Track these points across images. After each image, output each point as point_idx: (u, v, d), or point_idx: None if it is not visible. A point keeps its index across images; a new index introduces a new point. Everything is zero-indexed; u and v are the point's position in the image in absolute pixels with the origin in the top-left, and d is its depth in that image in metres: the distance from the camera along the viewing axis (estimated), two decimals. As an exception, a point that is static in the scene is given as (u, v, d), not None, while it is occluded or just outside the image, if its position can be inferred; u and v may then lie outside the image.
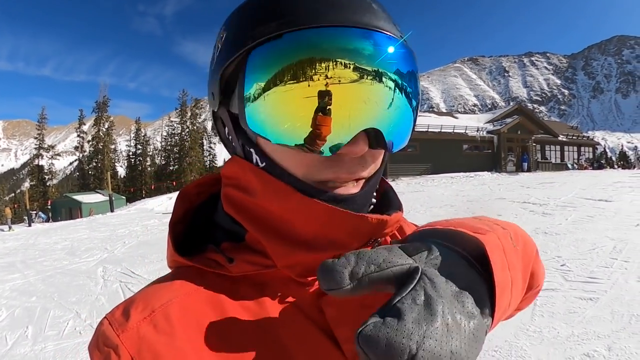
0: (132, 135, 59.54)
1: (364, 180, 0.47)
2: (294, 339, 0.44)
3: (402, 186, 17.69)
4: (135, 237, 11.01)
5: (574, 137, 37.36)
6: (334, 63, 0.39)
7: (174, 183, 42.37)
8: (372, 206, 0.52)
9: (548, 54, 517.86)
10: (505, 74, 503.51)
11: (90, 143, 51.84)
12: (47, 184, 49.68)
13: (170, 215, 0.54)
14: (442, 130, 27.43)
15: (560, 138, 35.19)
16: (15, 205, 43.63)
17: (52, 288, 6.24)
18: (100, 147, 50.92)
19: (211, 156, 59.19)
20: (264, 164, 0.46)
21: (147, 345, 0.40)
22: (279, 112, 0.42)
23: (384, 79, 0.42)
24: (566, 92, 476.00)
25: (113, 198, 28.63)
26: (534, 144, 31.20)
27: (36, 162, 50.16)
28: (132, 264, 7.45)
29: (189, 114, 55.15)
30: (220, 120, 0.53)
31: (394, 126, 0.44)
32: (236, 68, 0.45)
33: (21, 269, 7.96)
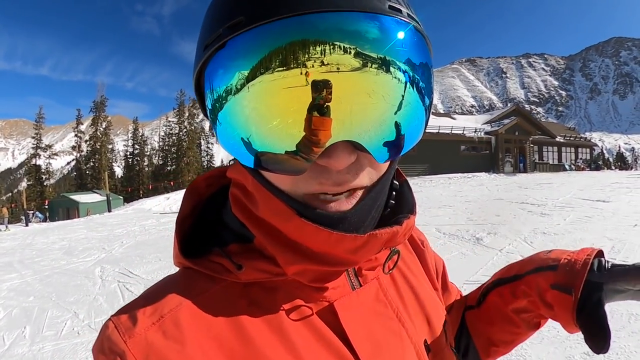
0: (130, 135, 59.43)
1: (362, 190, 0.43)
2: (308, 344, 0.43)
3: (401, 186, 17.62)
4: (133, 237, 10.97)
5: (571, 138, 37.52)
6: (302, 64, 0.35)
7: (172, 183, 42.35)
8: (389, 209, 0.50)
9: (545, 55, 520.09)
10: (503, 75, 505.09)
11: (88, 143, 51.73)
12: (45, 183, 49.42)
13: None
14: (440, 131, 27.47)
15: (557, 139, 35.34)
16: (13, 205, 43.41)
17: (50, 288, 6.20)
18: (98, 146, 50.81)
19: (209, 156, 59.16)
20: (255, 175, 0.44)
21: (155, 352, 0.38)
22: (240, 127, 0.38)
23: (387, 70, 0.37)
24: (564, 93, 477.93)
25: (110, 198, 28.63)
26: (532, 145, 31.32)
27: (33, 161, 49.88)
28: (130, 264, 7.42)
29: (187, 114, 55.13)
30: None
31: (391, 132, 0.39)
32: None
33: (18, 268, 7.91)
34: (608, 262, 0.55)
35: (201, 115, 61.21)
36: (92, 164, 50.84)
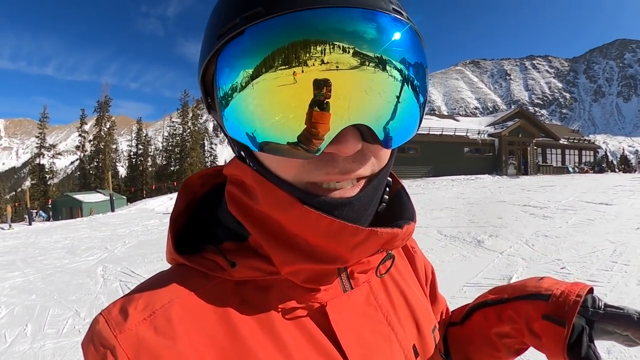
0: (134, 135, 59.61)
1: (364, 180, 0.44)
2: (298, 344, 0.43)
3: (403, 188, 17.60)
4: (136, 237, 11.00)
5: (575, 141, 37.37)
6: (314, 58, 0.36)
7: (175, 183, 42.36)
8: (383, 204, 0.50)
9: (550, 57, 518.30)
10: (507, 77, 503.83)
11: (92, 142, 51.90)
12: (48, 182, 49.64)
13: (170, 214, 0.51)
14: (444, 133, 27.44)
15: (561, 141, 35.22)
16: (16, 204, 43.59)
17: (52, 286, 6.23)
18: (102, 146, 50.96)
19: (212, 157, 59.41)
20: (256, 167, 0.45)
21: (146, 348, 0.38)
22: (252, 115, 0.39)
23: (382, 69, 0.38)
24: (567, 95, 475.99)
25: (114, 198, 28.62)
26: (535, 147, 31.20)
27: (37, 160, 50.14)
28: (132, 264, 7.44)
29: (191, 114, 55.23)
30: None
31: (393, 120, 0.41)
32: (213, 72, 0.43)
33: (21, 267, 7.95)
34: (601, 300, 0.56)
35: (205, 116, 61.44)
36: (95, 163, 50.99)
